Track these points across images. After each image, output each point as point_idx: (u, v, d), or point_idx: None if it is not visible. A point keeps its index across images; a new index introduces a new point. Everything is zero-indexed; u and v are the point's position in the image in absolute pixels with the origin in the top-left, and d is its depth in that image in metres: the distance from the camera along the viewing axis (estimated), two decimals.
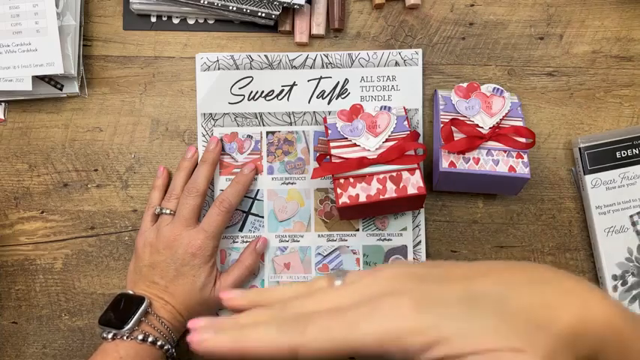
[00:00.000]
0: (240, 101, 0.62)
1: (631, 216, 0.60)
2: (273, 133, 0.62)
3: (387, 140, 0.57)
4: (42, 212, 0.63)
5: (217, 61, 0.62)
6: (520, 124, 0.57)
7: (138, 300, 0.54)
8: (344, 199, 0.54)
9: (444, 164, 0.56)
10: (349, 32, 0.63)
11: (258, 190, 0.62)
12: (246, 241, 0.62)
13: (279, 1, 0.59)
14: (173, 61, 0.63)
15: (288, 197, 0.62)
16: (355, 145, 0.57)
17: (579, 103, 0.62)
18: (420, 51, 0.62)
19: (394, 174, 0.55)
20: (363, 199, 0.54)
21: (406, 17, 0.63)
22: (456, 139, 0.56)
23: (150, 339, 0.52)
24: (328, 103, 0.62)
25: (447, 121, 0.56)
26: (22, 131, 0.63)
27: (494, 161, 0.56)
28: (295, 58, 0.62)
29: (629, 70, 0.63)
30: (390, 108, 0.58)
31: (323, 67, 0.62)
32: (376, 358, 0.28)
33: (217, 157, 0.61)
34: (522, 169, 0.56)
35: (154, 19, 0.63)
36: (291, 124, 0.62)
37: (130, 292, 0.55)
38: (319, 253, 0.61)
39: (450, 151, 0.56)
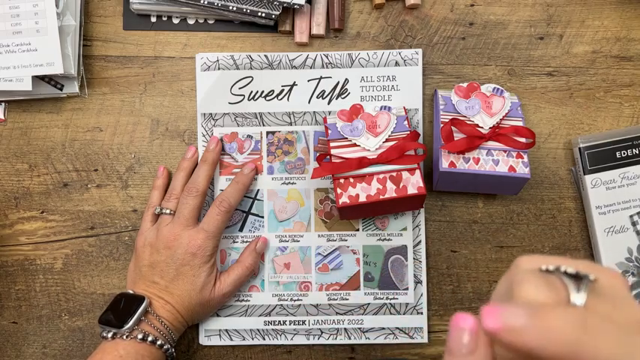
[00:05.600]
0: (240, 101, 0.62)
1: (631, 216, 0.60)
2: (273, 133, 0.62)
3: (387, 140, 0.57)
4: (42, 212, 0.63)
5: (217, 61, 0.62)
6: (520, 124, 0.57)
7: (138, 299, 0.54)
8: (344, 199, 0.54)
9: (444, 164, 0.56)
10: (349, 32, 0.63)
11: (258, 190, 0.62)
12: (246, 241, 0.62)
13: (279, 1, 0.59)
14: (173, 61, 0.63)
15: (288, 197, 0.62)
16: (355, 145, 0.57)
17: (579, 103, 0.62)
18: (420, 51, 0.62)
19: (394, 174, 0.55)
20: (363, 199, 0.54)
21: (406, 17, 0.63)
22: (456, 139, 0.56)
23: (149, 338, 0.52)
24: (328, 103, 0.62)
25: (447, 121, 0.56)
26: (22, 131, 0.63)
27: (494, 161, 0.56)
28: (295, 58, 0.62)
29: (629, 70, 0.63)
30: (390, 108, 0.58)
31: (323, 67, 0.62)
32: None
33: (217, 157, 0.61)
34: (522, 169, 0.56)
35: (154, 19, 0.63)
36: (291, 124, 0.62)
37: (130, 291, 0.56)
38: (319, 253, 0.61)
39: (450, 151, 0.56)
